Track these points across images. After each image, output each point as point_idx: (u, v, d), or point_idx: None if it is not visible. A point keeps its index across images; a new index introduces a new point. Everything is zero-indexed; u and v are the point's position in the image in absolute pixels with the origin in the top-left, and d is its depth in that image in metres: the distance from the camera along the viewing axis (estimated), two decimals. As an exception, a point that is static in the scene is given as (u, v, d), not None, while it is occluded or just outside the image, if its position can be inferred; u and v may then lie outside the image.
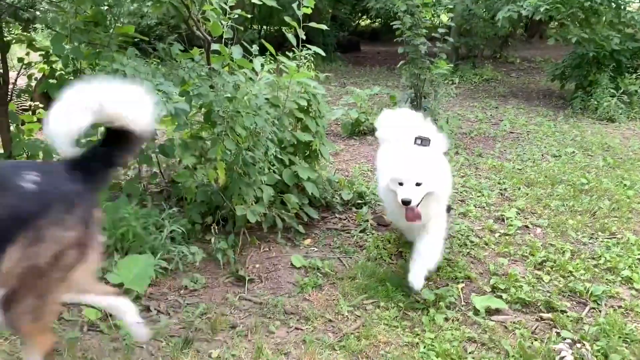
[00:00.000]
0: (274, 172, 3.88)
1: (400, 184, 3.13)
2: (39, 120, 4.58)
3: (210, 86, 3.65)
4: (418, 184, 3.09)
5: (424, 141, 3.24)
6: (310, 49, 4.27)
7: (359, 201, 4.68)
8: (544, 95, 10.03)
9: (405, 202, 3.06)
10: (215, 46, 4.02)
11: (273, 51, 4.14)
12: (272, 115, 3.66)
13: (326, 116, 4.43)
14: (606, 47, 8.29)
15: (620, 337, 2.89)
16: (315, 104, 4.23)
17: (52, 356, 2.62)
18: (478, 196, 4.92)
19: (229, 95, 3.43)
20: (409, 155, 3.20)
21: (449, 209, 3.60)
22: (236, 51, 4.00)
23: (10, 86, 4.07)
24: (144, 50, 4.64)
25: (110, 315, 2.97)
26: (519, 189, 5.14)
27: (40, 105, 6.41)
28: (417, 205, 3.11)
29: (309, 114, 4.24)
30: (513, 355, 2.75)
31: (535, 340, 2.90)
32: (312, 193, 4.14)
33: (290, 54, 4.29)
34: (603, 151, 6.45)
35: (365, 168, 5.62)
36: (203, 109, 4.09)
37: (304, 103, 4.11)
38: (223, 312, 3.09)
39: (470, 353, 2.78)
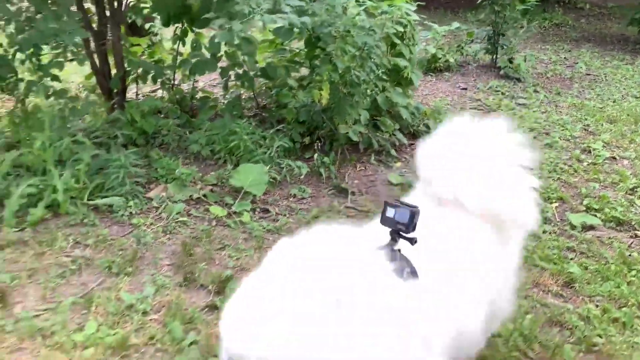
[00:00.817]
0: (374, 94, 4.05)
1: None
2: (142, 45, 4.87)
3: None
4: None
5: (400, 226, 1.46)
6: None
7: (445, 130, 4.82)
8: (619, 41, 9.69)
9: None
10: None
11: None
12: (375, 38, 3.80)
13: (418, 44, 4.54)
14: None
15: None
16: (411, 30, 4.33)
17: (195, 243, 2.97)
18: (562, 130, 4.98)
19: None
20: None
21: None
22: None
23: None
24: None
25: (235, 212, 3.30)
26: (602, 125, 5.16)
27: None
28: None
29: (403, 40, 4.35)
30: (613, 263, 2.93)
31: (633, 252, 3.06)
32: (405, 118, 4.31)
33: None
34: (687, 94, 6.33)
35: (445, 102, 5.72)
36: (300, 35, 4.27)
37: (401, 29, 4.22)
38: (333, 217, 3.36)
39: (571, 259, 2.98)
